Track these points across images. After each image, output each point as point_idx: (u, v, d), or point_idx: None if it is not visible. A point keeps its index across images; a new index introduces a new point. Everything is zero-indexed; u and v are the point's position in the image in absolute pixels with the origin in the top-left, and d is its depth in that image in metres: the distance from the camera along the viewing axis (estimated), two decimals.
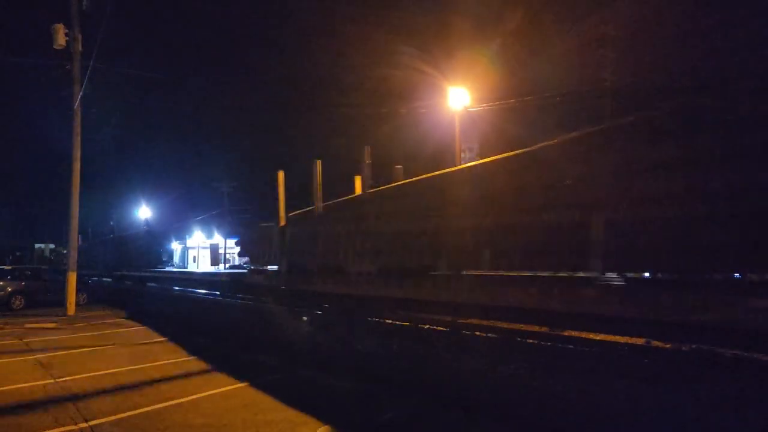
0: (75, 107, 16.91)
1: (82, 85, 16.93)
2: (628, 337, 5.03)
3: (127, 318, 16.24)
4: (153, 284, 23.72)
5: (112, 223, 54.62)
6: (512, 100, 21.98)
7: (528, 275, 6.69)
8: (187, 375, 8.00)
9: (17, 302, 18.54)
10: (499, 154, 7.78)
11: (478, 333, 6.31)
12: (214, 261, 50.08)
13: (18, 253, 58.03)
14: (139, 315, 16.54)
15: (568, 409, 5.15)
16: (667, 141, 5.38)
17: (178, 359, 9.24)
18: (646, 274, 5.73)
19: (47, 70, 17.15)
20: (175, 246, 58.87)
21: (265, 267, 15.43)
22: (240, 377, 7.59)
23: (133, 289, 23.28)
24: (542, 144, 6.92)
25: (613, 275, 5.71)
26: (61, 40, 16.57)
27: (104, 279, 31.46)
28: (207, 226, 53.00)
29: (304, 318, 9.58)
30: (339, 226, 11.29)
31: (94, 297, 21.95)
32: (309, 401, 6.35)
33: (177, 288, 19.98)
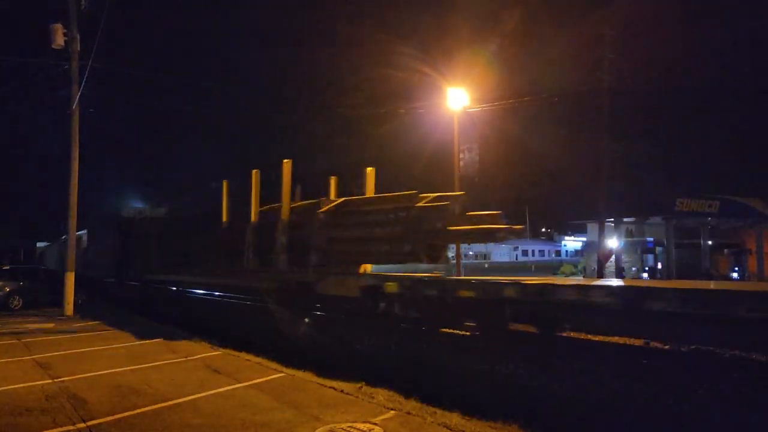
0: (73, 107, 16.88)
1: (80, 85, 16.90)
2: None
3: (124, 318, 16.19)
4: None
5: None
6: (511, 101, 22.00)
7: None
8: (186, 374, 7.99)
9: (15, 302, 18.50)
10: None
11: None
12: None
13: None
14: (139, 315, 16.48)
15: None
16: None
17: (178, 359, 9.22)
18: None
19: (45, 70, 17.14)
20: None
21: None
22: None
23: (132, 290, 23.18)
24: None
25: None
26: (59, 39, 16.52)
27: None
28: None
29: None
30: None
31: (93, 297, 21.89)
32: None
33: (174, 288, 19.89)
